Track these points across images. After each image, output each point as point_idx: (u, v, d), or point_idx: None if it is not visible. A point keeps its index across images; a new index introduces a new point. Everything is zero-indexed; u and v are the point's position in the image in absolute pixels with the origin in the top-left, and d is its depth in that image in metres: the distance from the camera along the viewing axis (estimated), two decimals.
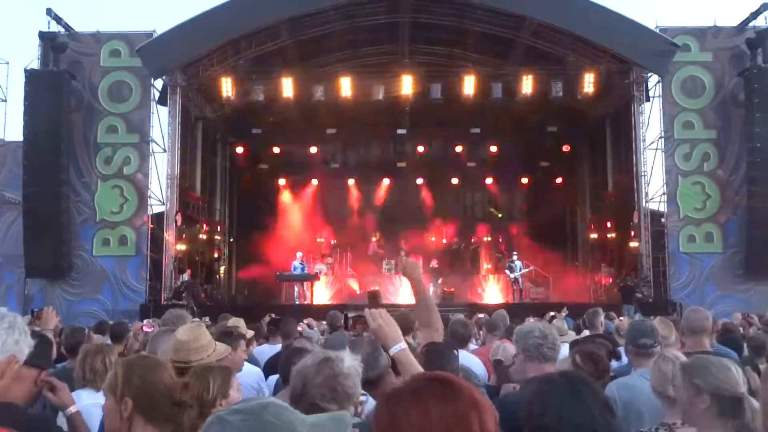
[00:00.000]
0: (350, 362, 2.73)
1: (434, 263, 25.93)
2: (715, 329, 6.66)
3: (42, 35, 21.79)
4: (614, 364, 5.49)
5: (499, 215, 29.73)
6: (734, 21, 22.75)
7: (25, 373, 3.09)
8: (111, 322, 9.14)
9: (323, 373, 2.67)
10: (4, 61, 22.88)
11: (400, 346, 2.96)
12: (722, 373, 3.13)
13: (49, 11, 21.65)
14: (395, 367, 3.11)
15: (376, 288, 23.80)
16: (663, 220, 22.25)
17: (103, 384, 2.85)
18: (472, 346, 7.32)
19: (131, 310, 20.09)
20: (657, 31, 21.85)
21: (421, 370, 2.93)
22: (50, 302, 19.53)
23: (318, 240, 28.28)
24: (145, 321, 11.31)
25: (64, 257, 21.24)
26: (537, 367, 4.11)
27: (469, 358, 5.82)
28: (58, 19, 21.96)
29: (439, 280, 25.37)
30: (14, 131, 22.14)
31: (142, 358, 3.16)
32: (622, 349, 5.91)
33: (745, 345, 6.82)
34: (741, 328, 8.91)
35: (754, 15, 21.98)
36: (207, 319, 11.55)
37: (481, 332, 8.84)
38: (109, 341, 7.25)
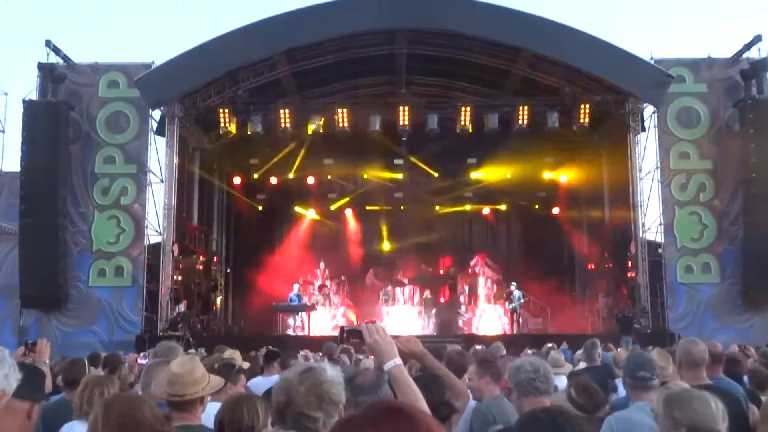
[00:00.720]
0: (332, 371, 2.71)
1: (428, 293, 25.84)
2: (722, 359, 6.58)
3: (41, 66, 21.88)
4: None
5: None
6: (728, 52, 22.95)
7: (18, 406, 3.05)
8: (104, 354, 9.07)
9: (307, 382, 2.64)
10: (3, 92, 22.99)
11: (395, 362, 2.92)
12: (702, 408, 3.13)
13: (48, 43, 21.77)
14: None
15: (374, 320, 23.67)
16: (660, 250, 22.24)
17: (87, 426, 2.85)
18: None
19: (127, 341, 19.98)
20: (652, 62, 22.01)
21: (415, 388, 2.90)
22: (45, 333, 19.44)
23: (315, 270, 28.21)
24: (141, 353, 11.25)
25: (60, 288, 21.16)
26: (533, 401, 4.07)
27: None
28: (57, 51, 22.08)
29: (433, 311, 25.26)
30: (12, 161, 22.21)
31: (120, 396, 3.15)
32: (619, 381, 5.86)
33: (745, 377, 6.76)
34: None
35: (748, 46, 22.16)
36: (202, 350, 11.48)
37: None
38: (102, 372, 7.20)
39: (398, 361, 2.92)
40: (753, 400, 5.57)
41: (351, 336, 3.03)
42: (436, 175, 28.43)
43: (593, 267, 27.38)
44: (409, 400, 2.80)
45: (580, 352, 9.83)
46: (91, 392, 4.55)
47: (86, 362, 6.73)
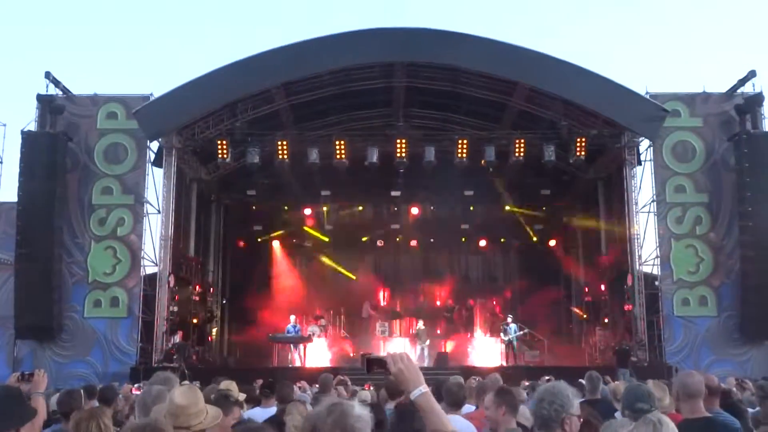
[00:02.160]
0: (360, 408, 2.72)
1: (420, 325, 25.70)
2: (720, 391, 6.54)
3: (40, 98, 21.98)
4: None
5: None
6: (723, 87, 23.15)
7: None
8: (99, 386, 9.00)
9: (334, 415, 2.65)
10: (2, 123, 22.99)
11: (421, 390, 2.89)
12: None
13: (47, 74, 21.88)
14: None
15: (371, 354, 23.60)
16: (657, 283, 22.22)
17: None
18: (470, 408, 7.21)
19: (122, 372, 19.85)
20: (647, 96, 22.17)
21: (442, 414, 2.89)
22: (40, 364, 19.27)
23: (311, 302, 28.12)
24: (136, 384, 11.17)
25: (54, 318, 21.03)
26: None
27: (459, 421, 5.71)
28: (56, 82, 22.19)
29: (427, 342, 25.08)
30: (9, 192, 22.19)
31: (142, 427, 3.12)
32: (617, 415, 5.83)
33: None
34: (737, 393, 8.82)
35: (742, 82, 22.36)
36: (197, 383, 11.39)
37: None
38: (96, 404, 7.14)
39: (424, 388, 2.90)
40: None
41: (376, 365, 3.00)
42: (433, 207, 28.50)
43: (590, 299, 27.35)
44: (437, 427, 2.81)
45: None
46: (87, 425, 4.52)
47: (83, 393, 6.68)
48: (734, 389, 9.53)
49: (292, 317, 24.13)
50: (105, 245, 21.95)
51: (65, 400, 6.10)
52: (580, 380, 8.66)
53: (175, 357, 20.95)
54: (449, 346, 25.89)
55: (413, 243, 29.61)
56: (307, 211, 28.53)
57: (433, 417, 2.85)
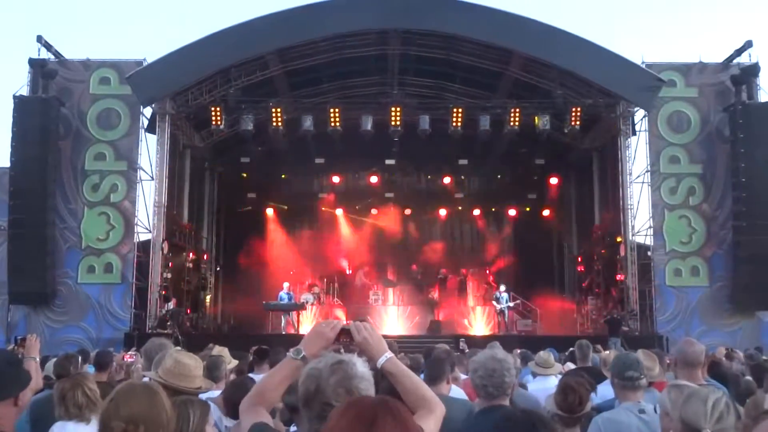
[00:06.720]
0: (362, 366, 2.70)
1: (434, 294, 25.81)
2: (706, 362, 6.62)
3: (32, 62, 21.80)
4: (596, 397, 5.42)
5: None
6: (719, 57, 23.06)
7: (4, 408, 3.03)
8: (93, 352, 9.04)
9: (338, 374, 2.64)
10: None
11: (386, 356, 2.88)
12: (696, 405, 3.11)
13: (39, 38, 21.68)
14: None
15: (365, 318, 23.74)
16: (649, 253, 22.32)
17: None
18: (463, 376, 7.25)
19: (115, 338, 19.94)
20: (643, 66, 22.08)
21: (413, 376, 2.89)
22: (34, 329, 19.35)
23: (305, 269, 28.17)
24: (129, 351, 11.23)
25: (48, 284, 21.08)
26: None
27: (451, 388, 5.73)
28: (48, 47, 22.00)
29: (434, 308, 25.17)
30: (1, 157, 22.10)
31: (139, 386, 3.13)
32: (607, 382, 5.87)
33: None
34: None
35: (739, 52, 22.29)
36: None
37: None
38: (91, 369, 7.18)
39: (389, 354, 2.90)
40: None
41: (341, 335, 2.99)
42: (428, 176, 28.47)
43: (583, 269, 27.45)
44: (411, 390, 2.80)
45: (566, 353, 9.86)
46: (74, 396, 4.52)
47: (79, 358, 6.71)
48: (724, 359, 9.63)
49: (286, 284, 24.18)
50: (98, 211, 21.92)
51: (61, 364, 6.13)
52: (571, 348, 8.73)
53: (168, 323, 21.03)
54: (442, 315, 26.01)
55: (407, 211, 29.62)
56: (301, 179, 28.48)
57: (405, 380, 2.84)
